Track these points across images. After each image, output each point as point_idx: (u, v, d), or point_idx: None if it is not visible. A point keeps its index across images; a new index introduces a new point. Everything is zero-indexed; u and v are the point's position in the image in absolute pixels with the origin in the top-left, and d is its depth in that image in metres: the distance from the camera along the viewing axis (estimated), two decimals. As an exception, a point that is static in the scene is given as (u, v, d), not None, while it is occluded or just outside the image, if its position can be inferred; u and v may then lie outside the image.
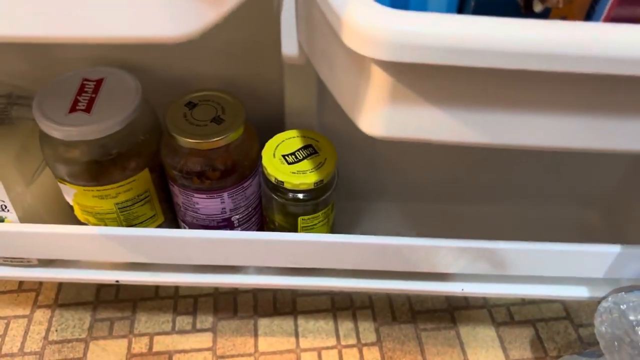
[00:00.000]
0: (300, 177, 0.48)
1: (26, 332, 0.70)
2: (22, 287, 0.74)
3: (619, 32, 0.26)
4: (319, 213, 0.52)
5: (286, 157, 0.50)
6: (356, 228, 0.64)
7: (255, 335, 0.70)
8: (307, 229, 0.53)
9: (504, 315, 0.73)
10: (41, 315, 0.72)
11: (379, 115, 0.31)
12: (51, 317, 0.72)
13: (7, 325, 0.71)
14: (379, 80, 0.29)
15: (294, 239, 0.49)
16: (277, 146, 0.51)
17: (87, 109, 0.46)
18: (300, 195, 0.50)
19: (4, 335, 0.70)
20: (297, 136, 0.52)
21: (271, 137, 0.53)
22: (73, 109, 0.46)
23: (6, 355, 0.68)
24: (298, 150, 0.51)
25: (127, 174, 0.49)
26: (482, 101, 0.29)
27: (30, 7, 0.27)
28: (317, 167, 0.49)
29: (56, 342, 0.69)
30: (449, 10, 0.29)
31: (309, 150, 0.51)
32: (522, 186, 0.67)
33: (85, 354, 0.68)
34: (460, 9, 0.29)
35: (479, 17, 0.26)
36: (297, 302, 0.73)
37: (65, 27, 0.28)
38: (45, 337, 0.70)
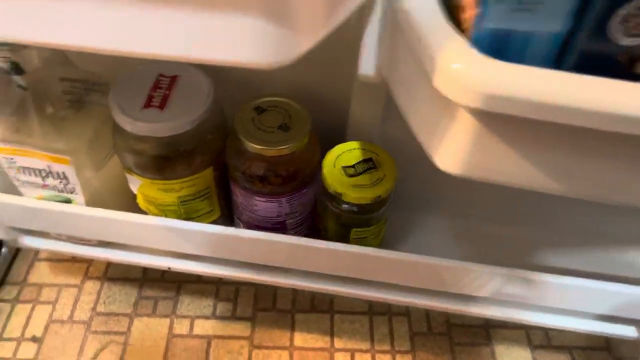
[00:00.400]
0: (359, 190, 0.49)
1: (76, 301, 0.74)
2: (75, 257, 0.78)
3: None
4: (372, 227, 0.53)
5: (346, 169, 0.51)
6: (405, 240, 0.64)
7: (292, 329, 0.72)
8: (359, 241, 0.54)
9: (541, 338, 0.72)
10: (91, 286, 0.75)
11: (459, 154, 0.31)
12: (100, 289, 0.75)
13: (59, 292, 0.75)
14: (465, 123, 0.29)
15: (347, 249, 0.50)
16: (338, 157, 0.52)
17: (161, 106, 0.48)
18: (356, 208, 0.51)
19: (55, 302, 0.74)
20: (359, 148, 0.53)
21: (331, 145, 0.53)
22: (147, 105, 0.48)
23: (57, 321, 0.72)
24: (359, 162, 0.51)
25: (192, 170, 0.51)
26: (568, 154, 0.29)
27: (133, 25, 0.28)
28: (377, 182, 0.50)
29: (103, 314, 0.72)
30: (546, 63, 0.29)
31: (369, 164, 0.51)
32: (581, 220, 0.65)
33: (129, 328, 0.71)
34: (560, 62, 0.29)
35: (577, 75, 0.26)
36: (335, 302, 0.75)
37: (163, 46, 0.29)
38: (94, 308, 0.73)
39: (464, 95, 0.27)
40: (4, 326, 0.71)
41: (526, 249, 0.67)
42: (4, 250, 0.76)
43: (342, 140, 0.54)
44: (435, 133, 0.33)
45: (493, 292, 0.51)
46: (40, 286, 0.75)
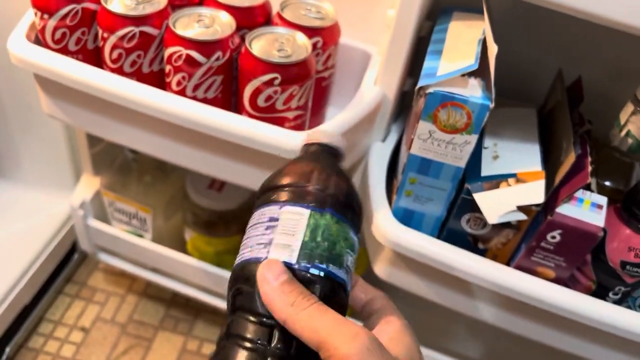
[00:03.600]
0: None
1: (118, 307, 0.96)
2: (124, 273, 1.01)
3: (521, 277, 0.47)
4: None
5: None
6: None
7: None
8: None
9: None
10: (132, 298, 0.98)
11: (385, 268, 0.53)
12: (138, 302, 0.98)
13: (108, 297, 0.98)
14: (386, 252, 0.52)
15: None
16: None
17: (219, 189, 0.72)
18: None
19: (103, 304, 0.97)
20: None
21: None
22: (210, 186, 0.72)
23: (102, 319, 0.94)
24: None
25: (229, 233, 0.74)
26: (437, 279, 0.51)
27: None
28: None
29: (136, 322, 0.95)
30: (433, 230, 0.51)
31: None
32: None
33: (154, 338, 0.93)
34: (440, 232, 0.51)
35: (444, 243, 0.48)
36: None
37: None
38: (130, 316, 0.95)
39: (383, 239, 0.49)
40: (63, 314, 0.94)
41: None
42: (75, 256, 1.00)
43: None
44: (375, 252, 0.55)
45: None
46: (94, 289, 0.99)
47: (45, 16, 0.52)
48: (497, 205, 0.46)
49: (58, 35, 0.53)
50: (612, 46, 0.55)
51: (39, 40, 0.54)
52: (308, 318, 0.26)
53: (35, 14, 0.53)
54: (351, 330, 0.25)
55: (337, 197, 0.30)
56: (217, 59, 0.50)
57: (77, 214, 0.76)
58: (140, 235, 0.78)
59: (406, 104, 0.57)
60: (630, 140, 0.50)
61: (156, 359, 0.90)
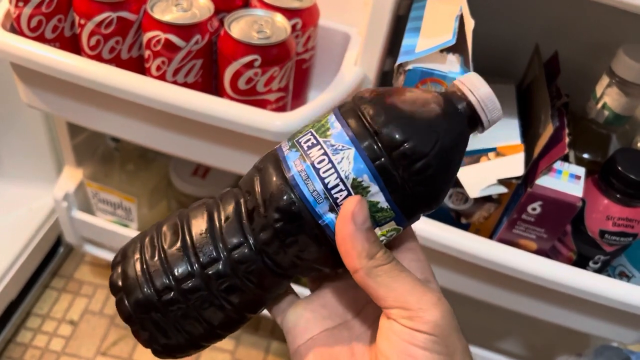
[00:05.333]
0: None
1: (107, 299, 0.96)
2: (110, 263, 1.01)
3: (504, 249, 0.48)
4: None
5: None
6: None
7: (267, 352, 0.93)
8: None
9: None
10: (120, 290, 0.98)
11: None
12: (126, 293, 0.98)
13: (95, 289, 0.97)
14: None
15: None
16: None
17: (204, 175, 0.72)
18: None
19: (91, 297, 0.96)
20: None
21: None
22: (194, 173, 0.72)
23: (90, 311, 0.94)
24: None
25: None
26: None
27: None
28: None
29: (125, 313, 0.95)
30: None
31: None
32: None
33: (143, 327, 0.93)
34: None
35: (428, 219, 0.49)
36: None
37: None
38: (119, 307, 0.95)
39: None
40: (51, 308, 0.94)
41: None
42: (61, 249, 0.99)
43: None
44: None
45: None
46: (81, 282, 0.98)
47: (20, 4, 0.51)
48: (478, 180, 0.47)
49: (34, 23, 0.52)
50: (587, 20, 0.56)
51: (14, 28, 0.54)
52: (387, 276, 0.24)
53: (10, 1, 0.52)
54: (433, 294, 0.25)
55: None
56: (196, 42, 0.50)
57: (60, 206, 0.76)
58: (126, 225, 0.78)
59: (387, 85, 0.58)
60: (606, 113, 0.51)
61: (146, 349, 0.90)
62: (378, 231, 0.25)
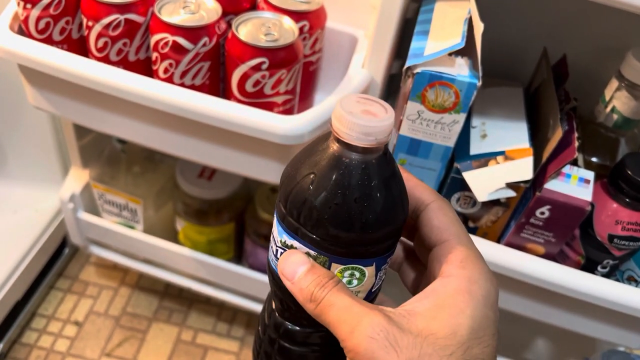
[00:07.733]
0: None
1: (112, 300, 0.96)
2: (116, 266, 1.01)
3: (512, 253, 0.48)
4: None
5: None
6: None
7: (270, 353, 0.92)
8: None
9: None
10: (124, 290, 0.98)
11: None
12: (131, 294, 0.97)
13: (100, 290, 0.98)
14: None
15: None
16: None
17: (209, 178, 0.72)
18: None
19: (96, 297, 0.96)
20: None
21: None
22: (200, 175, 0.72)
23: (95, 312, 0.94)
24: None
25: (220, 222, 0.74)
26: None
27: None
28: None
29: (130, 314, 0.95)
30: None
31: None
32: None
33: (147, 329, 0.93)
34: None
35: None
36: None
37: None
38: (124, 308, 0.95)
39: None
40: (56, 309, 0.94)
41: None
42: (66, 250, 1.00)
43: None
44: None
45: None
46: (87, 283, 0.98)
47: (28, 6, 0.51)
48: (486, 183, 0.47)
49: (42, 25, 0.52)
50: (596, 24, 0.56)
51: (22, 30, 0.54)
52: (320, 313, 0.26)
53: (18, 3, 0.52)
54: (353, 319, 0.25)
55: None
56: (204, 45, 0.50)
57: (66, 207, 0.76)
58: (132, 227, 0.78)
59: (394, 88, 0.58)
60: (615, 116, 0.50)
61: (151, 350, 0.90)
62: (334, 271, 0.28)
